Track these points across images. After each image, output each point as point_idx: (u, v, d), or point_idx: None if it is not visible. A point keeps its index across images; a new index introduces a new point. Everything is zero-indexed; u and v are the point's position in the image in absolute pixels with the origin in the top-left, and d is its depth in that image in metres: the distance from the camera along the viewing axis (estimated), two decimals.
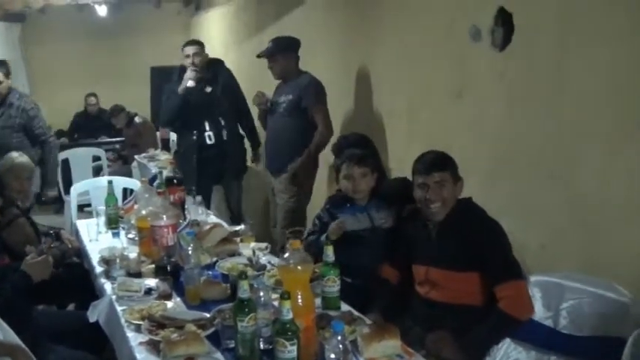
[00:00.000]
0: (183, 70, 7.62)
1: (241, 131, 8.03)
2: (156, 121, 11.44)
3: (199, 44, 7.69)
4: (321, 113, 6.81)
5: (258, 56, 7.26)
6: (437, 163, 4.23)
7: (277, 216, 7.22)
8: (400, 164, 5.71)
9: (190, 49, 7.57)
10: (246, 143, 8.17)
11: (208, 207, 7.20)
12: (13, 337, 3.49)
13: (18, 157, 5.84)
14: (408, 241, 4.45)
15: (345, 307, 3.87)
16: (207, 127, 7.58)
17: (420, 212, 4.34)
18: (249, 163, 8.25)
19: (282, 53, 7.02)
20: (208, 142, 7.58)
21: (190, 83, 7.40)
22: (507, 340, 3.89)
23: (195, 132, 7.56)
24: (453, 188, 4.21)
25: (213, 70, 7.71)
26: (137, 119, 11.91)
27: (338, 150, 5.51)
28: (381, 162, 5.67)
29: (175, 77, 7.72)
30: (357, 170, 4.84)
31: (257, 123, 7.82)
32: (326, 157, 6.91)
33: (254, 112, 7.72)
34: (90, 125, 13.03)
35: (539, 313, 3.88)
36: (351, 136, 5.82)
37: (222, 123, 7.63)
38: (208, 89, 7.55)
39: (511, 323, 3.87)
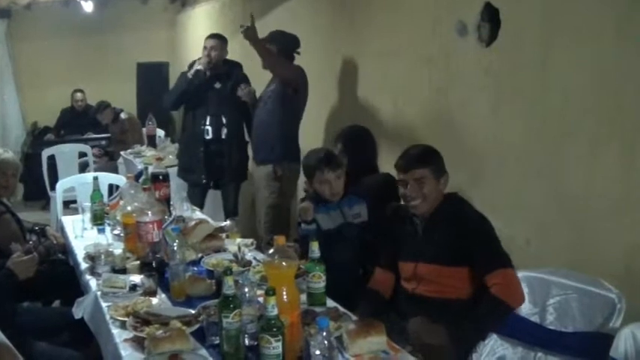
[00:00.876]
0: (193, 62, 7.64)
1: (247, 138, 7.89)
2: (142, 118, 11.39)
3: (220, 39, 7.63)
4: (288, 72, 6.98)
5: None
6: (416, 159, 4.20)
7: (259, 212, 7.28)
8: (385, 160, 5.71)
9: (208, 42, 7.55)
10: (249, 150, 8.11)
11: (202, 206, 7.22)
12: None
13: (3, 153, 5.79)
14: (394, 239, 4.43)
15: (330, 303, 3.86)
16: (208, 122, 7.56)
17: (406, 208, 4.33)
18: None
19: (267, 44, 7.10)
20: (206, 136, 7.56)
21: (200, 67, 7.42)
22: (494, 337, 3.89)
23: (201, 122, 7.57)
24: (435, 184, 4.18)
25: (227, 68, 7.66)
26: (123, 115, 11.86)
27: (336, 139, 5.53)
28: (376, 155, 5.63)
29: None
30: (332, 175, 4.81)
31: None
32: None
33: None
34: (77, 121, 12.96)
35: (526, 309, 3.88)
36: (356, 127, 5.88)
37: (224, 121, 7.58)
38: (217, 85, 7.52)
39: (503, 308, 3.86)
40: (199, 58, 7.59)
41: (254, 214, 7.66)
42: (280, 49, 7.10)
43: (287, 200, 7.21)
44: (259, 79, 7.43)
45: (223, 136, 7.61)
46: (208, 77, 7.52)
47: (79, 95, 13.01)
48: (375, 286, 4.46)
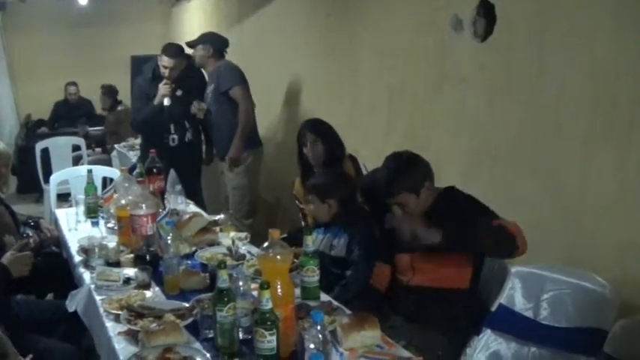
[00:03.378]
0: (156, 68, 7.55)
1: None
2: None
3: (178, 57, 7.49)
4: (239, 92, 7.33)
5: (187, 44, 7.73)
6: (389, 187, 4.17)
7: (229, 195, 7.69)
8: (379, 157, 5.70)
9: (168, 62, 7.40)
10: None
11: None
12: None
13: None
14: (391, 233, 4.39)
15: (324, 297, 3.86)
16: (173, 130, 7.65)
17: None
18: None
19: (202, 44, 7.55)
20: (171, 144, 7.64)
21: (167, 102, 7.41)
22: (488, 331, 3.91)
23: (164, 133, 7.61)
24: (416, 200, 4.13)
25: (184, 71, 7.61)
26: (120, 107, 11.91)
27: (301, 134, 5.68)
28: (340, 147, 5.62)
29: (148, 75, 7.66)
30: (309, 197, 4.88)
31: None
32: (274, 134, 7.70)
33: None
34: (70, 114, 12.99)
35: (520, 304, 3.89)
36: (318, 119, 5.92)
37: (187, 126, 7.72)
38: (179, 92, 7.53)
39: (505, 236, 3.81)
40: (157, 58, 7.59)
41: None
42: (216, 49, 7.53)
43: (251, 182, 7.64)
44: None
45: (186, 140, 7.76)
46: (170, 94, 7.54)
47: (72, 88, 13.04)
48: (375, 283, 4.45)
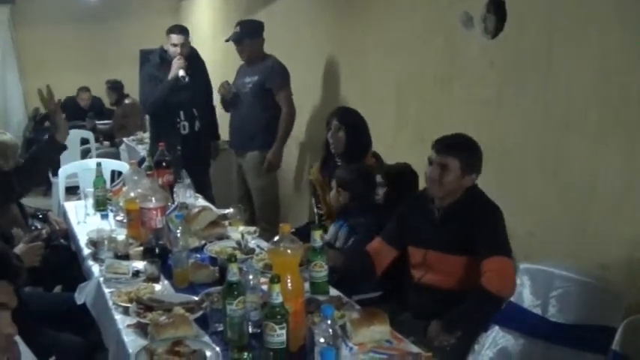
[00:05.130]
0: (163, 52, 7.57)
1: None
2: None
3: (185, 34, 7.57)
4: (285, 95, 7.26)
5: (227, 40, 7.55)
6: (451, 147, 4.12)
7: (252, 195, 7.61)
8: (388, 152, 5.71)
9: (178, 39, 7.45)
10: None
11: None
12: None
13: (1, 135, 5.77)
14: (409, 223, 4.39)
15: (333, 291, 3.87)
16: (183, 117, 7.59)
17: (425, 197, 4.30)
18: None
19: (251, 37, 7.37)
20: (182, 131, 7.59)
21: (181, 73, 7.35)
22: (496, 328, 3.90)
23: (177, 120, 7.57)
24: (458, 177, 4.08)
25: (189, 59, 7.61)
26: (127, 100, 11.93)
27: (328, 120, 5.69)
28: (367, 141, 5.63)
29: (156, 59, 7.66)
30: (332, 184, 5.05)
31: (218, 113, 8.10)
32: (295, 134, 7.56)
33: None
34: (79, 110, 12.99)
35: (528, 300, 3.89)
36: (351, 109, 5.94)
37: (196, 113, 7.66)
38: (187, 79, 7.49)
39: (489, 299, 3.84)
40: (161, 47, 7.62)
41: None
42: (262, 41, 7.49)
43: (275, 181, 7.66)
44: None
45: (196, 129, 7.69)
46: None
47: (85, 95, 13.09)
48: (370, 249, 4.46)
